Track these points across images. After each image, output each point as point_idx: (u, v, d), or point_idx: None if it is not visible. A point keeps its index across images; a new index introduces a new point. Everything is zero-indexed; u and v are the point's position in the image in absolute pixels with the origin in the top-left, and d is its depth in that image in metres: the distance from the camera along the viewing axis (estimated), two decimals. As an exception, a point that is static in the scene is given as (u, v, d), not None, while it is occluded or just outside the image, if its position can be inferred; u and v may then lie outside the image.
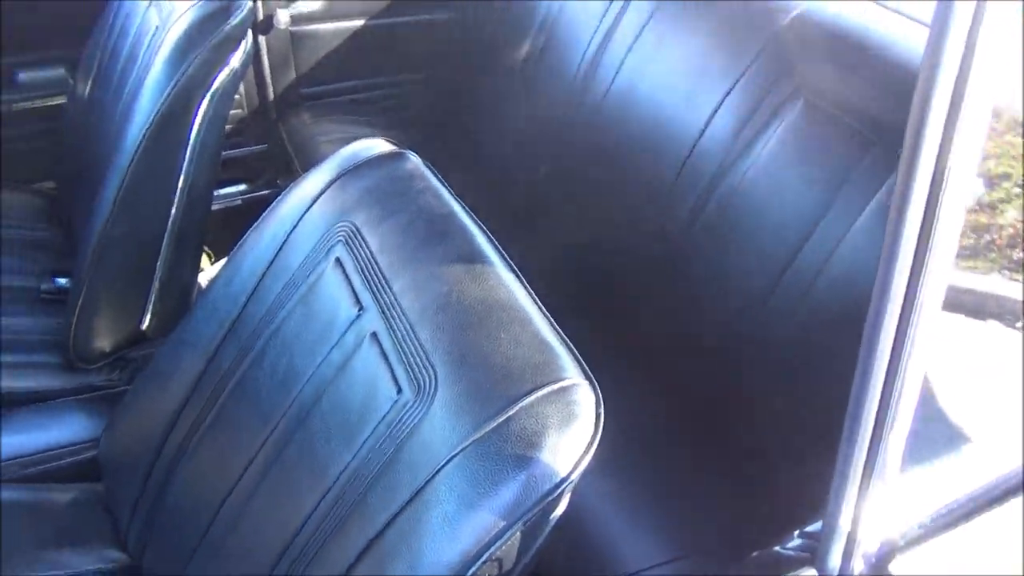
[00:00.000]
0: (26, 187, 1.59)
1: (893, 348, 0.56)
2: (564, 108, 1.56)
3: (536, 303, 0.70)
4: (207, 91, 1.09)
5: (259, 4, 1.70)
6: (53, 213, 1.54)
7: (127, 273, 1.19)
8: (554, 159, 1.58)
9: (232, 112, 1.82)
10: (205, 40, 1.06)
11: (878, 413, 0.58)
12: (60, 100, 1.56)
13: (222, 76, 1.11)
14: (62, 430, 1.14)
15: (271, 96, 1.83)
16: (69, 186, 1.46)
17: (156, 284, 1.21)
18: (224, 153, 1.85)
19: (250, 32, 1.13)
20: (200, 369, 0.90)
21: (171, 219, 1.16)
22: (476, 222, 0.79)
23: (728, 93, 1.29)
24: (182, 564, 0.89)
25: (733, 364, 1.22)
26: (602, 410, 0.61)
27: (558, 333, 0.67)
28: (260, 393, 0.83)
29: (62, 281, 1.36)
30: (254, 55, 1.76)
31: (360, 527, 0.65)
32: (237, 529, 0.81)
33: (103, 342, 1.22)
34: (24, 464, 1.09)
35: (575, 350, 0.65)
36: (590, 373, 0.63)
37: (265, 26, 1.73)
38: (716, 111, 1.30)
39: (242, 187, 1.95)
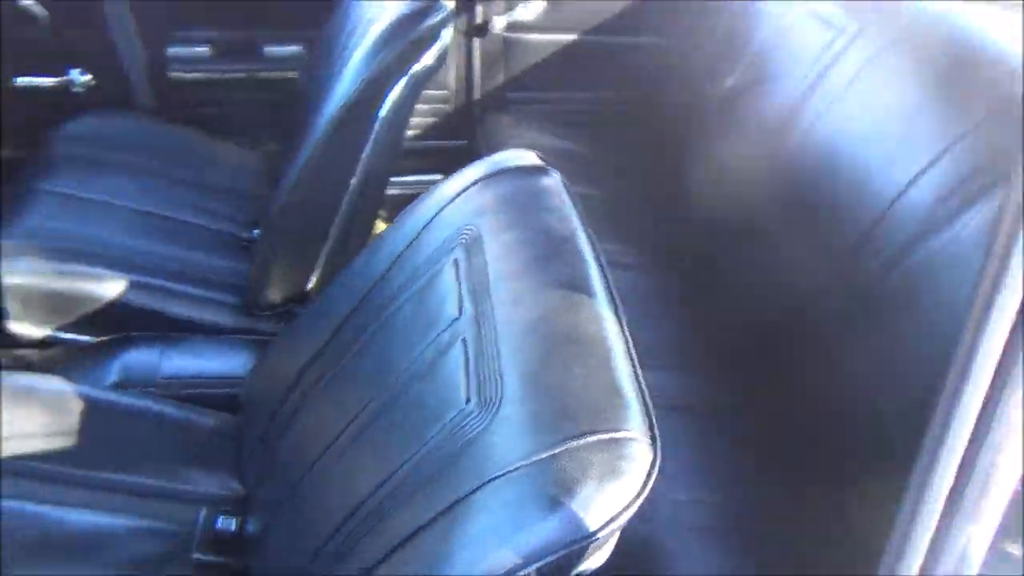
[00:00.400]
0: (254, 147, 1.79)
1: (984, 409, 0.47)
2: (763, 143, 1.49)
3: (627, 346, 0.67)
4: (397, 82, 1.17)
5: (478, 8, 1.79)
6: (269, 173, 1.72)
7: (302, 237, 1.30)
8: (744, 193, 1.52)
9: (439, 107, 1.94)
10: (403, 36, 1.14)
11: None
12: (294, 74, 1.73)
13: (413, 70, 1.18)
14: (222, 363, 1.28)
15: (477, 96, 1.92)
16: (282, 151, 1.62)
17: (326, 251, 1.31)
18: (426, 143, 1.98)
19: (447, 33, 1.20)
20: (327, 337, 0.97)
21: (348, 194, 1.26)
22: (595, 251, 0.78)
23: (939, 157, 1.17)
24: (276, 507, 0.96)
25: (884, 427, 1.10)
26: (656, 471, 0.57)
27: (638, 382, 0.64)
28: (367, 369, 0.88)
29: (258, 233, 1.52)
30: (467, 56, 1.86)
31: (407, 519, 0.67)
32: (320, 487, 0.86)
33: (274, 294, 1.35)
34: (183, 384, 1.23)
35: (650, 403, 0.62)
36: (656, 431, 0.60)
37: (481, 30, 1.81)
38: (923, 172, 1.17)
39: (438, 176, 2.05)
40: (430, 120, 1.94)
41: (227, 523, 1.01)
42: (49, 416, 1.06)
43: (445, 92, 1.91)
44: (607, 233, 1.62)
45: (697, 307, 1.40)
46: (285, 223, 1.29)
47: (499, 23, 1.80)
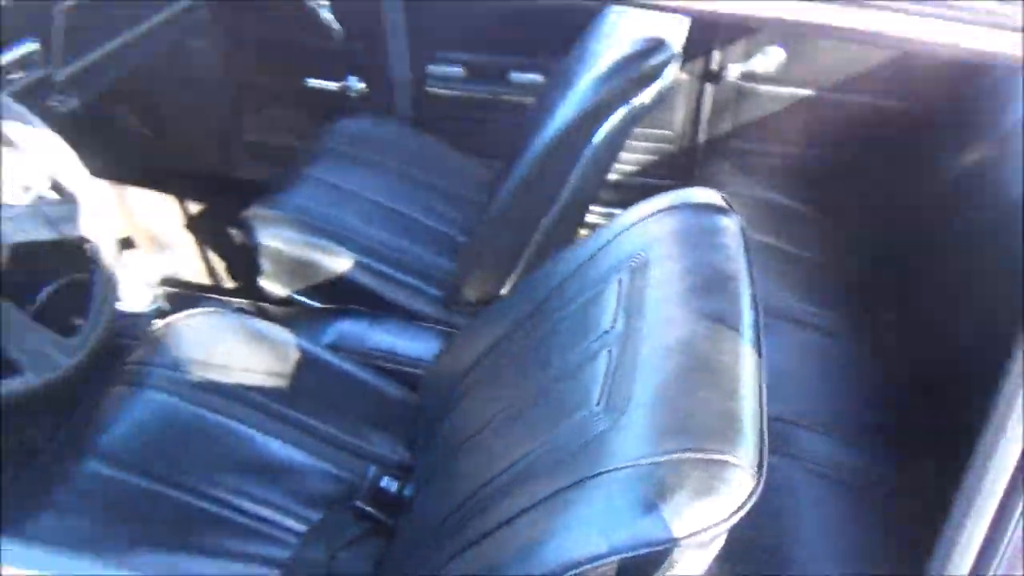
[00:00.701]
0: (489, 162, 1.96)
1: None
2: (995, 232, 1.37)
3: (759, 385, 0.69)
4: (613, 114, 1.25)
5: (715, 55, 1.82)
6: (493, 185, 1.88)
7: (502, 247, 1.42)
8: (960, 282, 1.40)
9: (663, 146, 1.99)
10: (626, 71, 1.22)
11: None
12: (530, 99, 1.88)
13: (631, 104, 1.25)
14: (416, 346, 1.42)
15: (701, 140, 1.94)
16: (505, 167, 1.77)
17: (522, 262, 1.42)
18: (644, 179, 2.04)
19: (669, 73, 1.25)
20: (501, 335, 1.07)
21: (550, 214, 1.36)
22: (754, 295, 0.79)
23: None
24: (427, 479, 1.07)
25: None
26: (751, 503, 0.59)
27: (760, 418, 0.65)
28: (526, 366, 0.96)
29: (468, 238, 1.66)
30: (696, 100, 1.89)
31: (518, 501, 0.73)
32: (462, 466, 0.96)
33: (471, 293, 1.48)
34: (382, 358, 1.39)
35: (766, 440, 0.64)
36: (764, 466, 0.62)
37: (715, 76, 1.84)
38: None
39: (651, 213, 2.10)
40: (652, 158, 1.99)
41: (390, 484, 1.14)
42: (273, 359, 1.26)
43: (670, 133, 1.96)
44: (806, 294, 1.58)
45: (880, 384, 1.33)
46: (492, 232, 1.41)
47: (734, 71, 1.81)
